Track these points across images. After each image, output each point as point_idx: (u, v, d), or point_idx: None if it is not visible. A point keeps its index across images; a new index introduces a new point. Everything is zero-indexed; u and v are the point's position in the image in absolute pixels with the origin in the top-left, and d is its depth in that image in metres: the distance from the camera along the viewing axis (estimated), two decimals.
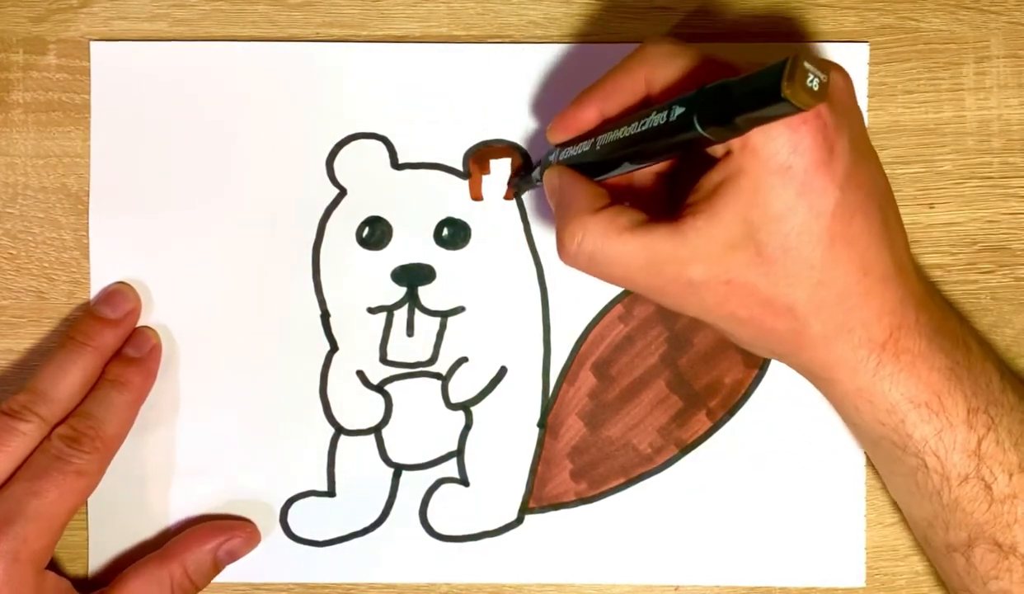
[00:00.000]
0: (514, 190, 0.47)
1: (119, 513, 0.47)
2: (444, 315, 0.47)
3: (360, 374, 0.47)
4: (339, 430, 0.47)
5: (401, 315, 0.47)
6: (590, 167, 0.40)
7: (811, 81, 0.32)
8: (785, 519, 0.47)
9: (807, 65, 0.31)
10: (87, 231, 0.47)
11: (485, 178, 0.47)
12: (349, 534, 0.47)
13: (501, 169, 0.47)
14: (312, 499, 0.47)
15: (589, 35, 0.47)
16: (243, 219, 0.47)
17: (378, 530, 0.47)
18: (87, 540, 0.47)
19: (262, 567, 0.47)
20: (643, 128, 0.37)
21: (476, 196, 0.47)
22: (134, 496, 0.47)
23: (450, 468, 0.47)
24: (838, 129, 0.36)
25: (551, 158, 0.42)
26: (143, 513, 0.47)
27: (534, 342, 0.47)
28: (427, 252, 0.47)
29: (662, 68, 0.39)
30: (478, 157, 0.47)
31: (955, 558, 0.41)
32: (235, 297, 0.47)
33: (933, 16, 0.47)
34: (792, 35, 0.47)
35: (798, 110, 0.32)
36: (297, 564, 0.47)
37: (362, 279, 0.47)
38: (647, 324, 0.47)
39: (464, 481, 0.47)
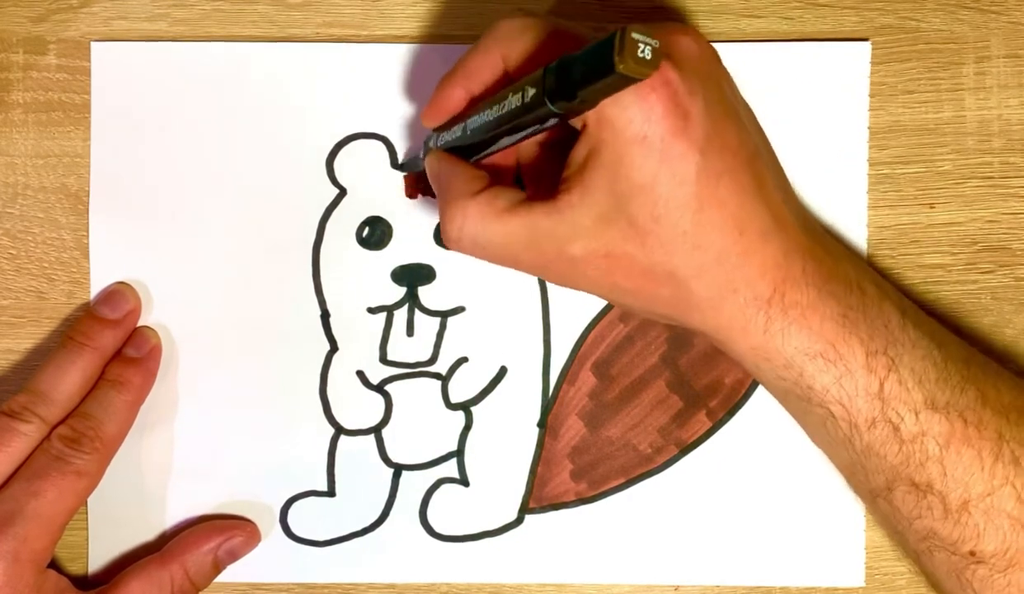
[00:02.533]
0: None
1: (119, 513, 0.47)
2: (444, 315, 0.47)
3: (360, 374, 0.47)
4: (339, 430, 0.47)
5: (401, 315, 0.47)
6: (468, 149, 0.41)
7: (642, 51, 0.32)
8: (785, 519, 0.47)
9: (636, 36, 0.32)
10: (87, 231, 0.47)
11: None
12: (349, 534, 0.47)
13: None
14: (312, 499, 0.47)
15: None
16: (243, 219, 0.47)
17: (378, 530, 0.47)
18: (87, 540, 0.47)
19: (262, 567, 0.47)
20: (504, 111, 0.38)
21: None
22: (134, 496, 0.47)
23: (450, 468, 0.47)
24: (691, 94, 0.36)
25: (430, 144, 0.43)
26: (143, 513, 0.47)
27: (534, 342, 0.47)
28: (427, 252, 0.47)
29: (515, 44, 0.39)
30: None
31: (879, 503, 0.41)
32: (235, 297, 0.47)
33: (933, 16, 0.47)
34: (792, 35, 0.47)
35: (635, 80, 0.32)
36: (297, 564, 0.47)
37: (362, 279, 0.47)
38: (647, 324, 0.47)
39: (464, 481, 0.47)
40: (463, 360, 0.47)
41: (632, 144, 0.36)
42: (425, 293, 0.47)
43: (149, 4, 0.47)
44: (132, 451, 0.46)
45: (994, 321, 0.47)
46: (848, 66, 0.46)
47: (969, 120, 0.47)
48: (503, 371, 0.47)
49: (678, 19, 0.47)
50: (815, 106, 0.46)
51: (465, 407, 0.47)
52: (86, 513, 0.47)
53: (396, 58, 0.47)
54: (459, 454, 0.47)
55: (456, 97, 0.41)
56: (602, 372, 0.47)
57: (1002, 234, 0.47)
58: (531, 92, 0.36)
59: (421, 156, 0.44)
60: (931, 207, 0.47)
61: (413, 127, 0.47)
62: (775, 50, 0.46)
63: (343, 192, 0.47)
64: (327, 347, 0.47)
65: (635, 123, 0.36)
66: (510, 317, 0.47)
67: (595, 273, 0.39)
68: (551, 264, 0.39)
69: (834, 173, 0.46)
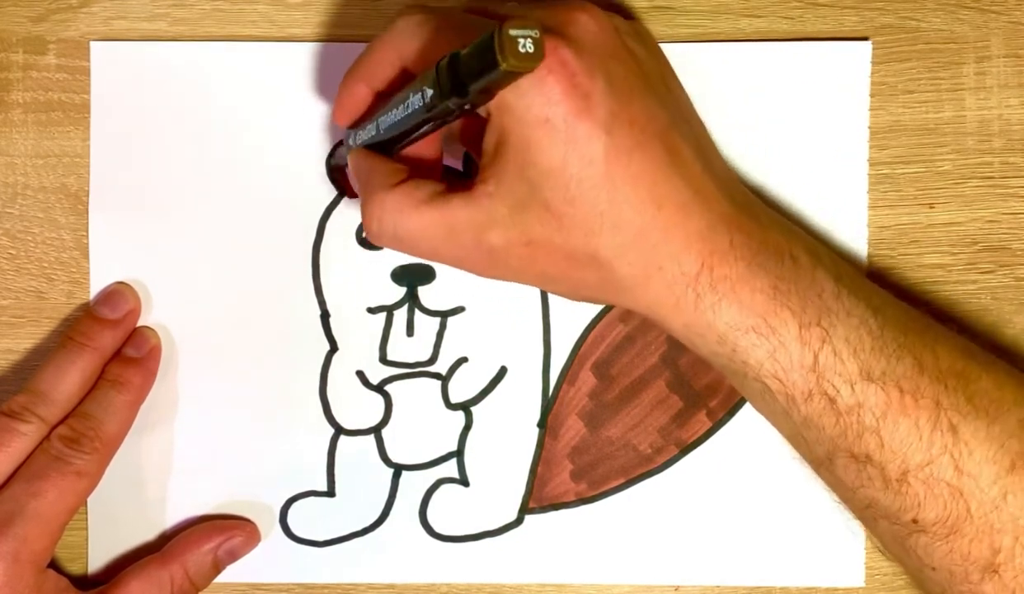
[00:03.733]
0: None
1: (119, 513, 0.47)
2: (444, 315, 0.47)
3: (360, 374, 0.47)
4: (339, 430, 0.47)
5: (401, 315, 0.47)
6: (386, 143, 0.41)
7: (523, 46, 0.32)
8: (785, 519, 0.47)
9: (513, 32, 0.32)
10: (87, 231, 0.47)
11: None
12: (349, 534, 0.47)
13: None
14: (312, 499, 0.47)
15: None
16: (243, 219, 0.47)
17: (378, 530, 0.47)
18: (87, 540, 0.47)
19: (262, 567, 0.47)
20: (409, 111, 0.37)
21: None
22: (134, 496, 0.47)
23: (450, 468, 0.47)
24: (589, 73, 0.36)
25: (350, 142, 0.43)
26: (143, 513, 0.47)
27: (534, 342, 0.47)
28: None
29: (410, 41, 0.39)
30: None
31: (822, 472, 0.41)
32: (235, 297, 0.47)
33: (933, 16, 0.47)
34: (792, 35, 0.47)
35: (523, 74, 0.32)
36: (297, 564, 0.47)
37: (362, 279, 0.47)
38: (647, 324, 0.47)
39: (464, 481, 0.47)
40: (463, 360, 0.47)
41: (535, 128, 0.36)
42: (425, 293, 0.47)
43: (149, 4, 0.47)
44: (132, 451, 0.46)
45: (994, 321, 0.47)
46: (848, 66, 0.46)
47: (969, 120, 0.47)
48: (503, 371, 0.47)
49: (677, 18, 0.47)
50: (815, 106, 0.46)
51: (465, 407, 0.47)
52: (86, 513, 0.47)
53: None
54: (459, 454, 0.47)
55: (359, 94, 0.41)
56: (602, 372, 0.47)
57: (1002, 234, 0.47)
58: (428, 91, 0.36)
59: (344, 153, 0.44)
60: (931, 207, 0.47)
61: None
62: (775, 50, 0.46)
63: (343, 192, 0.47)
64: (327, 347, 0.47)
65: (535, 107, 0.36)
66: (510, 317, 0.47)
67: (518, 263, 0.38)
68: (472, 256, 0.39)
69: (834, 173, 0.46)
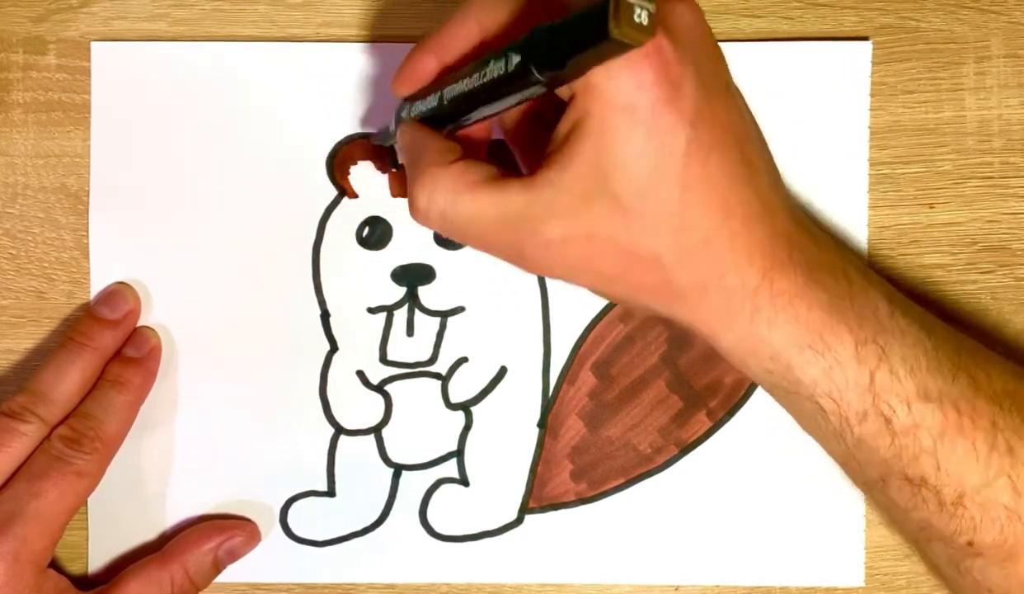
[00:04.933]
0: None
1: (119, 513, 0.47)
2: (444, 315, 0.47)
3: (360, 374, 0.47)
4: (339, 430, 0.47)
5: (401, 315, 0.47)
6: (442, 119, 0.38)
7: (639, 15, 0.30)
8: (785, 519, 0.47)
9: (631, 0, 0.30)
10: (87, 231, 0.47)
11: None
12: (349, 534, 0.47)
13: None
14: (312, 499, 0.47)
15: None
16: (243, 219, 0.47)
17: (378, 530, 0.47)
18: (87, 540, 0.47)
19: (262, 567, 0.47)
20: (484, 80, 0.35)
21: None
22: (134, 496, 0.47)
23: (450, 468, 0.47)
24: (682, 64, 0.35)
25: (403, 115, 0.41)
26: (143, 513, 0.47)
27: (534, 342, 0.47)
28: (427, 252, 0.47)
29: (494, 12, 0.37)
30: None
31: (875, 494, 0.40)
32: (235, 297, 0.47)
33: (933, 16, 0.47)
34: (792, 35, 0.47)
35: (630, 47, 0.31)
36: (297, 564, 0.47)
37: (362, 279, 0.47)
38: (647, 324, 0.47)
39: (464, 481, 0.47)
40: (463, 360, 0.47)
41: (620, 114, 0.34)
42: (425, 293, 0.47)
43: (149, 4, 0.47)
44: (132, 451, 0.46)
45: (994, 321, 0.47)
46: (848, 66, 0.46)
47: (969, 120, 0.47)
48: (503, 371, 0.47)
49: None
50: (815, 106, 0.46)
51: (465, 407, 0.47)
52: (86, 513, 0.47)
53: (396, 58, 0.47)
54: (459, 454, 0.47)
55: (428, 66, 0.39)
56: (602, 372, 0.47)
57: (1002, 234, 0.47)
58: (515, 59, 0.34)
59: (392, 129, 0.42)
60: (931, 207, 0.47)
61: None
62: (775, 50, 0.46)
63: (343, 192, 0.47)
64: (327, 347, 0.47)
65: (624, 91, 0.34)
66: (510, 317, 0.47)
67: (575, 258, 0.37)
68: (525, 247, 0.37)
69: (834, 173, 0.46)
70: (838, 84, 0.46)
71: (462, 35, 0.38)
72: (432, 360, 0.47)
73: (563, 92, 0.35)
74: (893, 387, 0.37)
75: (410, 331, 0.47)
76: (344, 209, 0.47)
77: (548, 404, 0.47)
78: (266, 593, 0.47)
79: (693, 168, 0.35)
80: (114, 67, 0.47)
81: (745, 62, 0.46)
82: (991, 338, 0.47)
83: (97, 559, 0.47)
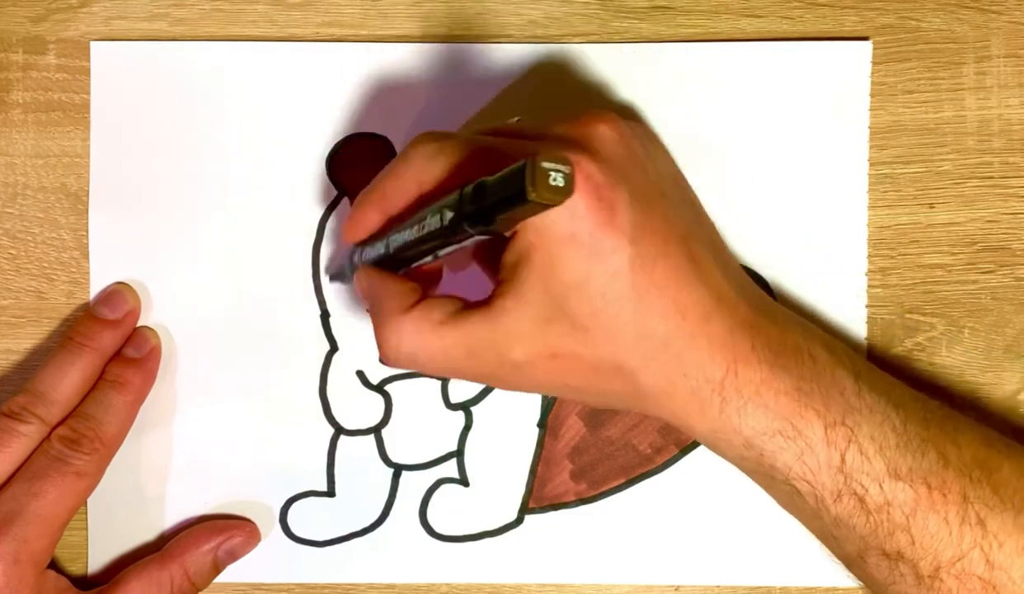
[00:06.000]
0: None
1: (119, 513, 0.47)
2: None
3: (360, 374, 0.47)
4: (339, 430, 0.47)
5: None
6: (397, 262, 0.40)
7: (554, 179, 0.31)
8: (785, 519, 0.47)
9: (546, 165, 0.31)
10: (87, 231, 0.47)
11: None
12: (349, 534, 0.47)
13: None
14: (312, 499, 0.47)
15: (589, 35, 0.47)
16: (243, 219, 0.47)
17: (378, 530, 0.47)
18: (87, 540, 0.47)
19: (262, 567, 0.47)
20: (424, 232, 0.37)
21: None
22: (134, 496, 0.47)
23: (450, 468, 0.47)
24: (613, 186, 0.36)
25: (355, 259, 0.42)
26: (142, 513, 0.47)
27: None
28: None
29: (428, 168, 0.38)
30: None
31: (855, 570, 0.41)
32: (235, 297, 0.47)
33: (933, 16, 0.47)
34: (792, 35, 0.47)
35: (549, 206, 0.32)
36: (297, 564, 0.47)
37: None
38: None
39: (464, 481, 0.47)
40: None
41: (561, 244, 0.36)
42: None
43: (149, 4, 0.47)
44: (132, 451, 0.46)
45: (994, 321, 0.47)
46: (849, 65, 0.46)
47: (969, 120, 0.47)
48: None
49: (677, 18, 0.47)
50: (815, 106, 0.46)
51: (465, 407, 0.47)
52: (86, 513, 0.46)
53: (396, 58, 0.47)
54: (459, 454, 0.47)
55: (372, 218, 0.40)
56: None
57: (1002, 234, 0.47)
58: (449, 215, 0.35)
59: (348, 271, 0.44)
60: (931, 207, 0.47)
61: (413, 127, 0.47)
62: (775, 50, 0.46)
63: (343, 192, 0.47)
64: (327, 347, 0.47)
65: (561, 223, 0.35)
66: None
67: (541, 375, 0.38)
68: (495, 372, 0.38)
69: (834, 173, 0.46)
70: (838, 84, 0.46)
71: (401, 190, 0.39)
72: None
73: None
74: (864, 467, 0.38)
75: None
76: (344, 209, 0.47)
77: (548, 404, 0.47)
78: (266, 593, 0.47)
79: (641, 280, 0.36)
80: (114, 67, 0.47)
81: (745, 62, 0.46)
82: (991, 338, 0.46)
83: (97, 559, 0.47)
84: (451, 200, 0.35)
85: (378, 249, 0.40)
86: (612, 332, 0.37)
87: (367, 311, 0.41)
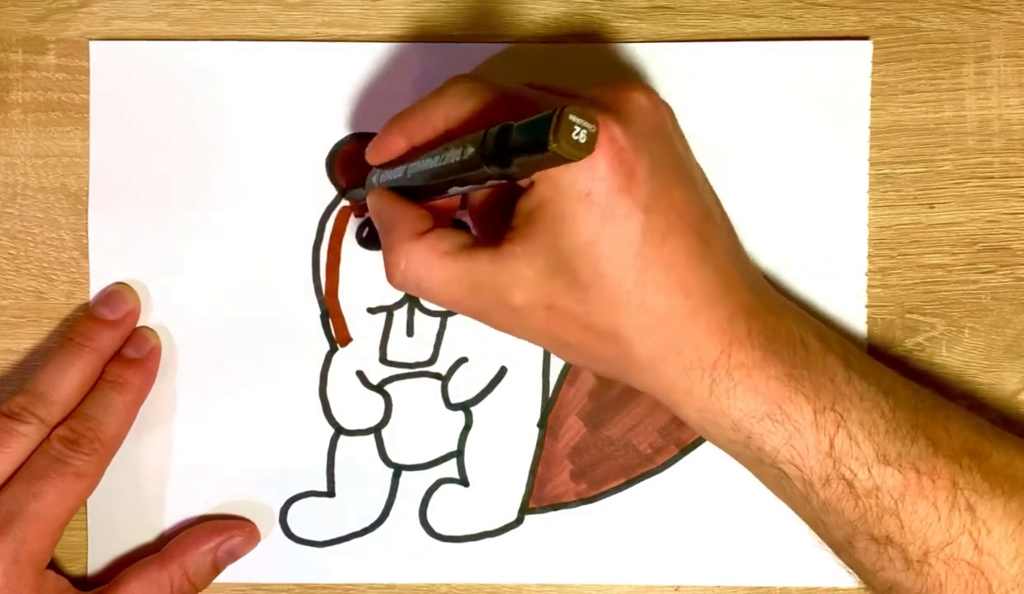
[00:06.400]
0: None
1: (118, 514, 0.47)
2: (444, 315, 0.47)
3: (360, 374, 0.47)
4: (339, 430, 0.47)
5: (401, 315, 0.47)
6: (413, 191, 0.40)
7: (577, 134, 0.32)
8: (785, 519, 0.47)
9: (573, 118, 0.32)
10: (87, 231, 0.47)
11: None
12: (349, 534, 0.47)
13: None
14: (312, 499, 0.47)
15: (589, 35, 0.47)
16: (243, 219, 0.47)
17: (378, 530, 0.47)
18: (87, 540, 0.47)
19: (262, 567, 0.47)
20: (443, 163, 0.38)
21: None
22: (133, 497, 0.47)
23: (450, 468, 0.47)
24: (636, 152, 0.36)
25: (373, 180, 0.43)
26: (142, 513, 0.47)
27: None
28: None
29: (458, 107, 0.39)
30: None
31: (843, 556, 0.41)
32: (235, 297, 0.47)
33: (933, 16, 0.47)
34: (792, 34, 0.47)
35: (568, 160, 0.32)
36: (297, 564, 0.47)
37: (362, 279, 0.47)
38: None
39: (464, 481, 0.47)
40: (463, 360, 0.47)
41: (576, 201, 0.36)
42: None
43: (148, 4, 0.47)
44: (131, 451, 0.46)
45: (994, 321, 0.47)
46: (849, 65, 0.46)
47: (969, 120, 0.46)
48: (503, 371, 0.47)
49: (677, 18, 0.47)
50: (815, 106, 0.46)
51: (465, 407, 0.47)
52: (86, 514, 0.46)
53: (396, 58, 0.47)
54: (459, 454, 0.47)
55: (397, 144, 0.41)
56: None
57: (1002, 234, 0.47)
58: (470, 150, 0.36)
59: (367, 189, 0.44)
60: (931, 207, 0.47)
61: None
62: (775, 50, 0.46)
63: (343, 192, 0.47)
64: (327, 347, 0.47)
65: (579, 180, 0.36)
66: None
67: (536, 324, 0.38)
68: (492, 310, 0.39)
69: (834, 173, 0.46)
70: (838, 84, 0.46)
71: (430, 122, 0.40)
72: (432, 360, 0.47)
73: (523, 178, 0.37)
74: (852, 452, 0.39)
75: (410, 331, 0.47)
76: (344, 209, 0.47)
77: (548, 404, 0.47)
78: (266, 593, 0.47)
79: (649, 252, 0.37)
80: (113, 67, 0.47)
81: (745, 62, 0.46)
82: (991, 338, 0.46)
83: (96, 560, 0.47)
84: (475, 136, 0.36)
85: (397, 173, 0.41)
86: (612, 298, 0.37)
87: (378, 232, 0.41)
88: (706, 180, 0.42)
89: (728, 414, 0.39)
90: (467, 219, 0.43)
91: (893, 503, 0.38)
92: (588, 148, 0.32)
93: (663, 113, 0.39)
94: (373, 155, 0.42)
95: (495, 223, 0.40)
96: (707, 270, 0.38)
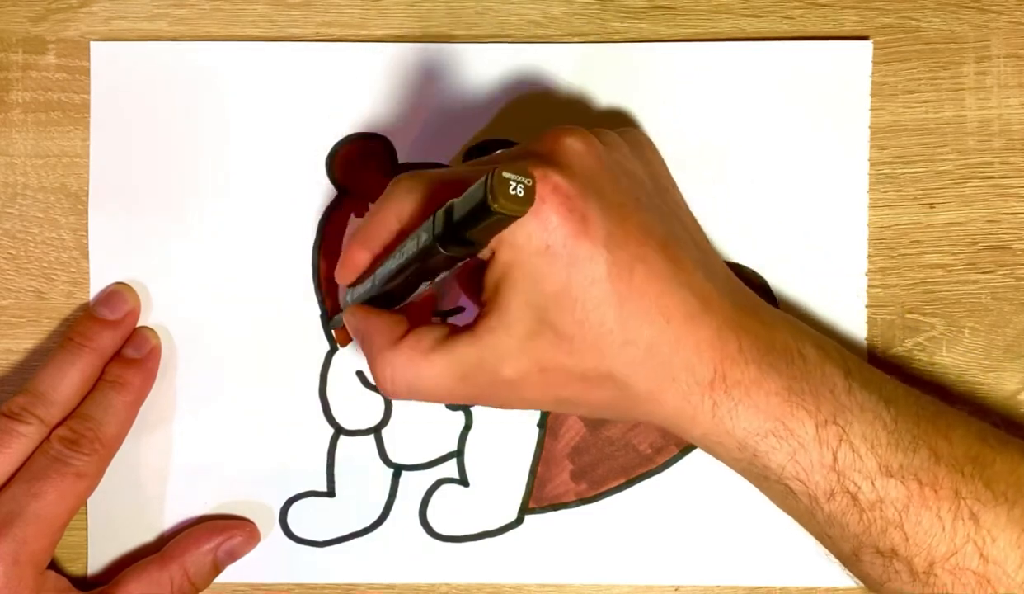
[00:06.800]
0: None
1: (118, 514, 0.47)
2: (444, 315, 0.47)
3: (360, 374, 0.47)
4: (339, 430, 0.47)
5: None
6: (387, 298, 0.41)
7: (515, 189, 0.32)
8: (785, 519, 0.47)
9: (507, 175, 0.32)
10: (87, 231, 0.47)
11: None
12: (349, 534, 0.47)
13: None
14: (312, 499, 0.47)
15: (589, 35, 0.47)
16: (243, 219, 0.47)
17: (378, 530, 0.47)
18: (87, 541, 0.47)
19: (262, 567, 0.47)
20: (404, 259, 0.38)
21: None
22: (133, 497, 0.47)
23: (450, 468, 0.47)
24: (584, 196, 0.37)
25: (348, 299, 0.43)
26: (142, 514, 0.47)
27: None
28: None
29: (404, 203, 0.39)
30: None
31: (851, 568, 0.41)
32: (235, 297, 0.47)
33: (933, 16, 0.47)
34: (792, 34, 0.47)
35: (514, 218, 0.33)
36: (297, 564, 0.47)
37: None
38: None
39: (464, 481, 0.47)
40: None
41: (537, 256, 0.36)
42: None
43: (149, 4, 0.47)
44: (131, 452, 0.46)
45: (994, 321, 0.47)
46: (849, 65, 0.46)
47: (969, 120, 0.46)
48: None
49: (677, 18, 0.47)
50: (815, 106, 0.46)
51: (465, 407, 0.47)
52: (86, 514, 0.46)
53: (396, 58, 0.47)
54: (459, 454, 0.47)
55: (360, 258, 0.41)
56: None
57: (1002, 234, 0.47)
58: (424, 237, 0.36)
59: (342, 313, 0.44)
60: (931, 207, 0.47)
61: (413, 127, 0.47)
62: (775, 50, 0.46)
63: (343, 192, 0.47)
64: (327, 347, 0.47)
65: (535, 237, 0.36)
66: None
67: (535, 391, 0.39)
68: (488, 392, 0.39)
69: (834, 173, 0.46)
70: (838, 84, 0.46)
71: (384, 227, 0.40)
72: None
73: (484, 251, 0.37)
74: (855, 465, 0.39)
75: None
76: (344, 210, 0.47)
77: None
78: (266, 593, 0.47)
79: (620, 286, 0.37)
80: (113, 67, 0.47)
81: (745, 62, 0.46)
82: (991, 338, 0.46)
83: (97, 560, 0.47)
84: (427, 225, 0.36)
85: (366, 286, 0.41)
86: (597, 340, 0.37)
87: (361, 350, 0.42)
88: (665, 194, 0.42)
89: (732, 434, 0.39)
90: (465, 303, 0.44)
91: (897, 515, 0.38)
92: (528, 200, 0.32)
93: (599, 151, 0.39)
94: (342, 275, 0.42)
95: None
96: (682, 291, 0.38)
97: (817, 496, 0.39)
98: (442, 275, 0.38)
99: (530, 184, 0.32)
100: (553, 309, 0.37)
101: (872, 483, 0.38)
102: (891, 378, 0.42)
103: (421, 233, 0.37)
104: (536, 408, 0.40)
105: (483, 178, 0.33)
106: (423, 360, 0.38)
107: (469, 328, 0.38)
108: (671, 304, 0.38)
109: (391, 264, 0.39)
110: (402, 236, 0.40)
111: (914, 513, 0.38)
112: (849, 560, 0.41)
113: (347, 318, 0.42)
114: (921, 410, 0.40)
